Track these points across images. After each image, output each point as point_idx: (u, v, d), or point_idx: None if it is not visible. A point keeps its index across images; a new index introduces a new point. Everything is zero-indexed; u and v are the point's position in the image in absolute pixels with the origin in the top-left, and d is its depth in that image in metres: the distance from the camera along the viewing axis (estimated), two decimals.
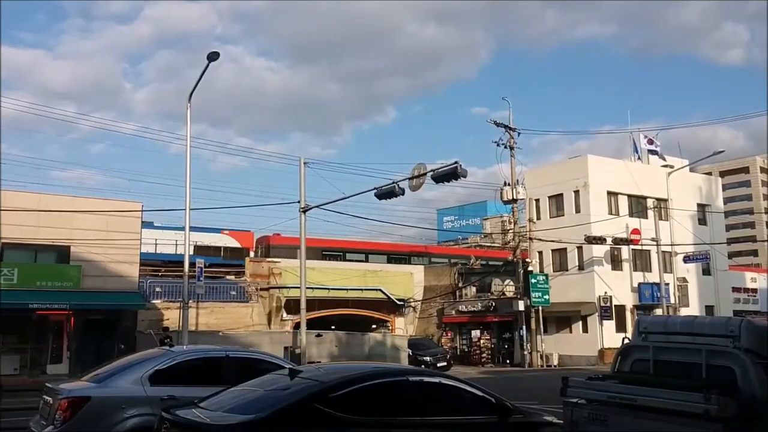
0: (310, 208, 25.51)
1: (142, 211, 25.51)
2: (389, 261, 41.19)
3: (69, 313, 23.24)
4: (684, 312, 35.94)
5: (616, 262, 35.20)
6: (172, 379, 7.03)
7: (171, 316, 27.04)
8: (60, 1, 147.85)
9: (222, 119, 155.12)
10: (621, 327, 34.15)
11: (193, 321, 26.21)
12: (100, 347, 24.20)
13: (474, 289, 37.67)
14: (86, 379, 7.49)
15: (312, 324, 28.84)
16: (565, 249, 34.66)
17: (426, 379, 5.92)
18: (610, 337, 33.28)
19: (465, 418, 5.64)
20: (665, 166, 38.00)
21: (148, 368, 7.19)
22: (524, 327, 32.50)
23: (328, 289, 33.42)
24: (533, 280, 32.23)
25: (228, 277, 33.85)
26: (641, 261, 35.97)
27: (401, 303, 37.63)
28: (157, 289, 28.77)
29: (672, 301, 35.15)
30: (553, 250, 35.51)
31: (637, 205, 36.30)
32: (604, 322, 33.19)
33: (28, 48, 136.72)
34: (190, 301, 23.24)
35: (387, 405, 5.35)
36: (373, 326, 37.41)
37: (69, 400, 6.65)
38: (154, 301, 28.17)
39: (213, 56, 20.76)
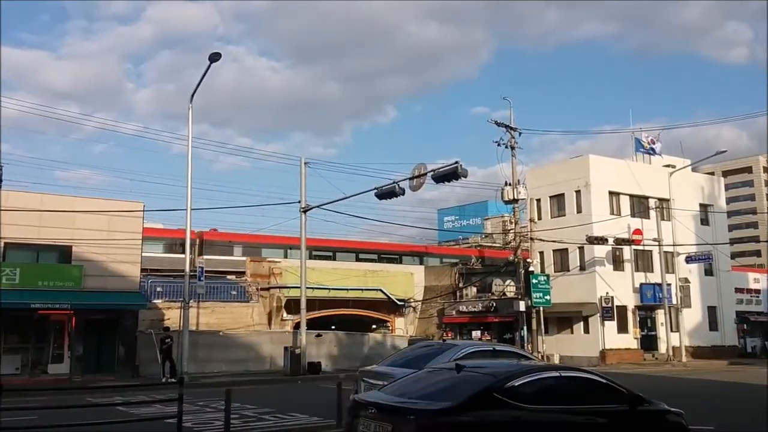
0: (311, 208, 25.55)
1: (143, 211, 25.54)
2: (381, 260, 41.08)
3: (70, 312, 23.26)
4: (686, 312, 35.91)
5: (617, 263, 35.12)
6: None
7: (172, 316, 27.09)
8: (62, 1, 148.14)
9: (223, 119, 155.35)
10: (622, 328, 34.11)
11: (194, 321, 26.25)
12: (102, 347, 24.26)
13: (474, 289, 37.63)
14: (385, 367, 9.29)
15: (312, 324, 28.90)
16: (567, 249, 34.60)
17: (573, 373, 6.89)
18: (612, 337, 33.26)
19: (603, 406, 6.48)
20: (667, 165, 37.91)
21: (448, 359, 8.51)
22: (525, 327, 32.41)
23: (329, 289, 33.42)
24: (534, 281, 32.11)
25: (229, 276, 33.91)
26: (643, 261, 35.89)
27: (401, 303, 37.61)
28: (158, 289, 28.83)
29: (674, 301, 35.08)
30: (554, 251, 35.44)
31: (639, 205, 36.21)
32: (606, 322, 33.12)
33: (30, 49, 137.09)
34: (191, 301, 23.29)
35: (545, 395, 6.23)
36: (373, 326, 37.42)
37: None
38: (155, 301, 28.23)
39: (215, 57, 20.81)
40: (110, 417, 11.37)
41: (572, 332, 34.18)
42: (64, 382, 21.58)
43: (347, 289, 34.76)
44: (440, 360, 8.69)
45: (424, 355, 9.28)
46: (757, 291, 44.24)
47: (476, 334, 35.37)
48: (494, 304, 35.01)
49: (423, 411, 5.76)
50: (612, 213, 35.01)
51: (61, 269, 23.56)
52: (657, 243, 34.14)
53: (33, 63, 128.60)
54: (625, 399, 6.60)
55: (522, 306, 32.17)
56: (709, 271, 38.28)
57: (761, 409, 12.25)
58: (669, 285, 34.77)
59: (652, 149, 38.32)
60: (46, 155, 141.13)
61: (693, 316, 36.72)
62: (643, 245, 34.56)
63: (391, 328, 37.69)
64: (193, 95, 22.48)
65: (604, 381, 6.80)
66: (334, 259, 39.06)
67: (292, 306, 31.55)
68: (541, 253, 35.57)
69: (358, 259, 40.20)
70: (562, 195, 35.89)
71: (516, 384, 6.07)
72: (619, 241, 33.74)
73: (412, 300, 38.14)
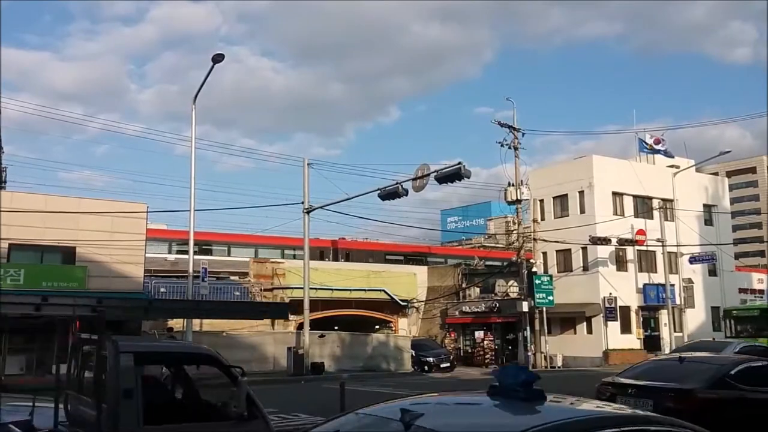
0: (314, 209, 25.60)
1: (147, 212, 25.61)
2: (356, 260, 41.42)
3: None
4: (689, 313, 35.84)
5: (621, 263, 35.05)
6: None
7: None
8: (66, 1, 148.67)
9: (226, 120, 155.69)
10: (626, 328, 34.05)
11: (197, 321, 26.28)
12: None
13: (478, 290, 37.58)
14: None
15: (315, 324, 28.90)
16: (570, 250, 34.56)
17: (760, 363, 8.96)
18: (615, 338, 33.22)
19: None
20: (671, 166, 37.85)
21: (730, 351, 12.05)
22: (528, 328, 32.42)
23: (332, 289, 33.40)
24: (537, 281, 32.10)
25: (232, 277, 33.95)
26: (646, 262, 35.82)
27: (404, 304, 37.59)
28: (162, 290, 28.85)
29: (677, 302, 35.01)
30: (557, 251, 35.38)
31: (643, 206, 36.15)
32: (609, 323, 33.08)
33: (34, 50, 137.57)
34: None
35: (752, 379, 8.14)
36: (377, 327, 37.39)
37: None
38: None
39: (218, 58, 20.89)
40: None
41: (575, 332, 34.14)
42: None
43: (350, 290, 34.75)
44: (726, 351, 12.18)
45: (708, 346, 12.90)
46: (761, 291, 44.18)
47: (479, 334, 35.34)
48: (497, 305, 34.97)
49: (680, 390, 7.74)
50: (615, 213, 34.94)
51: (65, 270, 23.62)
52: (660, 243, 34.08)
53: (36, 64, 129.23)
54: None
55: (525, 306, 32.16)
56: (712, 272, 38.19)
57: None
58: (672, 285, 34.71)
59: (660, 150, 38.20)
60: (50, 156, 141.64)
61: (696, 317, 36.64)
62: (647, 246, 34.50)
63: (394, 328, 37.66)
64: (196, 96, 22.59)
65: None
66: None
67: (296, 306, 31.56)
68: (544, 253, 35.55)
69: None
70: (566, 195, 35.84)
71: (735, 371, 8.15)
72: (623, 242, 33.69)
73: (415, 300, 38.13)
